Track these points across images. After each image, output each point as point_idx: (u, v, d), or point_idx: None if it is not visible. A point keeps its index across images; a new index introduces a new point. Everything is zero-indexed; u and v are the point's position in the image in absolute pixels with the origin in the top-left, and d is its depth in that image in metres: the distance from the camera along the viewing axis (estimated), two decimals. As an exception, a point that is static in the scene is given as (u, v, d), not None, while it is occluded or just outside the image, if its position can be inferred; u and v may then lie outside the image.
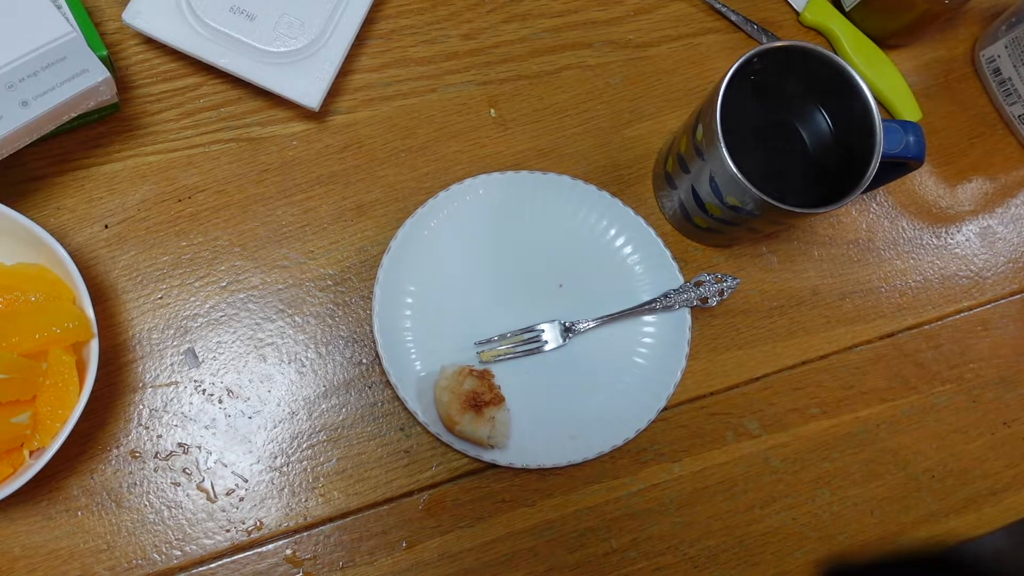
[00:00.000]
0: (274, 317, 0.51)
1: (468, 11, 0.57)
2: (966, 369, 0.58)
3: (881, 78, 0.60)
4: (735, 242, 0.57)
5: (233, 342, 0.50)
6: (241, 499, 0.48)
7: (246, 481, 0.49)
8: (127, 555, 0.47)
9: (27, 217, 0.44)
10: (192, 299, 0.50)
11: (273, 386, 0.50)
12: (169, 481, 0.48)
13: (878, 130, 0.47)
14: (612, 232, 0.54)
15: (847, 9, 0.61)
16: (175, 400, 0.49)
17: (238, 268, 0.51)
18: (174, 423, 0.49)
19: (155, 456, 0.48)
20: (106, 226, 0.50)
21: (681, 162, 0.51)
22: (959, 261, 0.60)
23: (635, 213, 0.53)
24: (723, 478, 0.53)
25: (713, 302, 0.53)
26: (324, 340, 0.51)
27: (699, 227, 0.54)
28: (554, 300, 0.53)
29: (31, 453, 0.44)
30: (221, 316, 0.50)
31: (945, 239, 0.61)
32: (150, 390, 0.49)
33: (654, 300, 0.52)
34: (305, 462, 0.49)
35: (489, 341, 0.52)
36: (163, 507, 0.48)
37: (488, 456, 0.49)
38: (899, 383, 0.57)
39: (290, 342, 0.51)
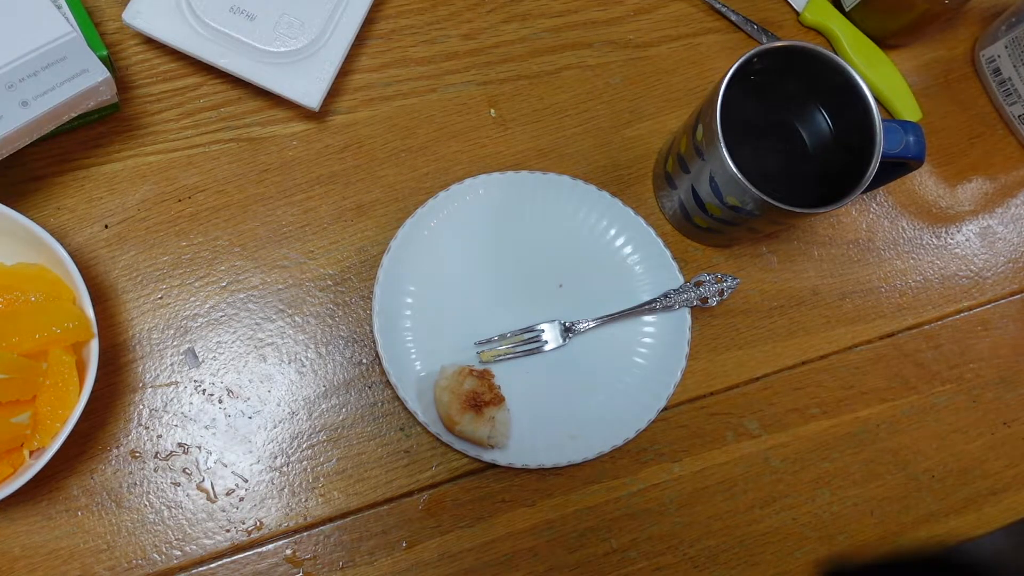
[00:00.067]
0: (274, 317, 0.51)
1: (468, 11, 0.57)
2: (966, 369, 0.58)
3: (881, 78, 0.60)
4: (735, 242, 0.57)
5: (233, 342, 0.50)
6: (241, 499, 0.48)
7: (246, 481, 0.49)
8: (127, 555, 0.47)
9: (27, 217, 0.44)
10: (192, 299, 0.50)
11: (273, 386, 0.50)
12: (169, 481, 0.48)
13: (878, 130, 0.47)
14: (612, 232, 0.54)
15: (847, 9, 0.61)
16: (175, 400, 0.49)
17: (238, 268, 0.51)
18: (174, 423, 0.49)
19: (155, 456, 0.48)
20: (106, 226, 0.50)
21: (681, 162, 0.51)
22: (959, 261, 0.60)
23: (635, 213, 0.53)
24: (723, 478, 0.53)
25: (713, 302, 0.53)
26: (324, 340, 0.51)
27: (699, 227, 0.54)
28: (554, 300, 0.53)
29: (31, 453, 0.44)
30: (221, 316, 0.50)
31: (945, 239, 0.61)
32: (150, 390, 0.49)
33: (654, 300, 0.52)
34: (305, 462, 0.49)
35: (489, 341, 0.52)
36: (163, 507, 0.48)
37: (488, 456, 0.49)
38: (899, 383, 0.57)
39: (290, 342, 0.51)
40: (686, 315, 0.52)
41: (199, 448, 0.49)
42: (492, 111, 0.56)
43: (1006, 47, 0.60)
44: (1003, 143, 0.63)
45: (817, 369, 0.56)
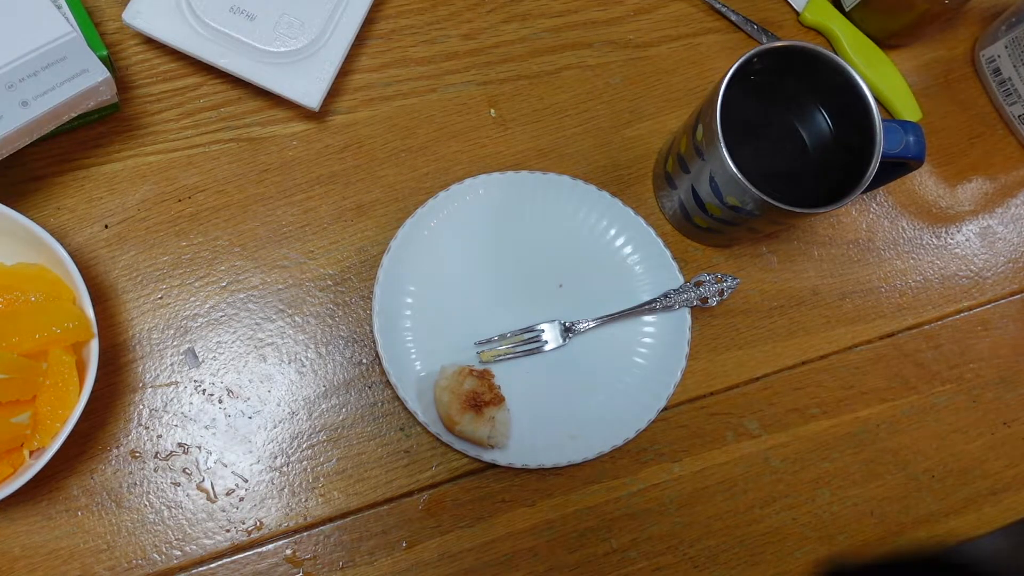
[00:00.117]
0: (274, 317, 0.51)
1: (468, 11, 0.57)
2: (966, 369, 0.58)
3: (881, 78, 0.60)
4: (735, 242, 0.57)
5: (233, 342, 0.50)
6: (241, 499, 0.48)
7: (246, 481, 0.49)
8: (127, 555, 0.47)
9: (27, 217, 0.44)
10: (192, 299, 0.50)
11: (273, 386, 0.50)
12: (169, 481, 0.48)
13: (878, 130, 0.47)
14: (612, 232, 0.54)
15: (847, 9, 0.61)
16: (175, 400, 0.49)
17: (238, 268, 0.51)
18: (174, 423, 0.49)
19: (155, 456, 0.48)
20: (106, 226, 0.50)
21: (681, 162, 0.51)
22: (959, 261, 0.60)
23: (635, 213, 0.53)
24: (723, 478, 0.53)
25: (713, 302, 0.53)
26: (324, 340, 0.51)
27: (699, 227, 0.54)
28: (554, 300, 0.53)
29: (31, 453, 0.44)
30: (221, 316, 0.50)
31: (945, 239, 0.61)
32: (150, 390, 0.49)
33: (654, 300, 0.52)
34: (305, 462, 0.49)
35: (489, 341, 0.52)
36: (163, 507, 0.48)
37: (488, 456, 0.49)
38: (899, 383, 0.57)
39: (290, 342, 0.51)
40: (686, 315, 0.52)
41: (199, 448, 0.49)
42: (492, 111, 0.56)
43: (1006, 47, 0.60)
44: (1003, 143, 0.63)
45: (817, 369, 0.56)
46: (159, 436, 0.48)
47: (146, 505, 0.47)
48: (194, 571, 0.47)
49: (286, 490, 0.49)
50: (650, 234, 0.53)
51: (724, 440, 0.54)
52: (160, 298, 0.50)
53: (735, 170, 0.45)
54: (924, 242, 0.60)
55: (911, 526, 0.55)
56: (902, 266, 0.59)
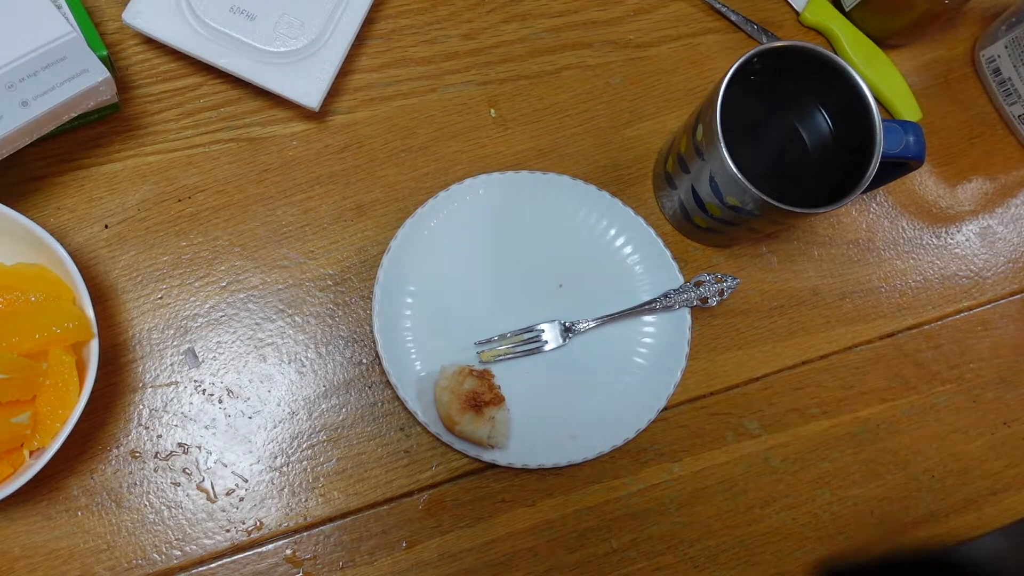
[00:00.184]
0: (274, 317, 0.51)
1: (468, 11, 0.57)
2: (966, 369, 0.58)
3: (881, 78, 0.60)
4: (735, 242, 0.57)
5: (233, 342, 0.50)
6: (241, 499, 0.48)
7: (246, 481, 0.49)
8: (127, 555, 0.47)
9: (27, 217, 0.44)
10: (192, 299, 0.50)
11: (273, 386, 0.50)
12: (169, 481, 0.48)
13: (878, 130, 0.47)
14: (612, 232, 0.54)
15: (847, 9, 0.61)
16: (175, 400, 0.49)
17: (238, 268, 0.51)
18: (174, 423, 0.49)
19: (155, 456, 0.48)
20: (106, 226, 0.50)
21: (681, 162, 0.51)
22: (959, 261, 0.60)
23: (635, 213, 0.53)
24: (723, 478, 0.53)
25: (713, 302, 0.53)
26: (324, 340, 0.51)
27: (699, 227, 0.54)
28: (554, 300, 0.53)
29: (31, 453, 0.44)
30: (221, 316, 0.50)
31: (945, 239, 0.61)
32: (150, 390, 0.49)
33: (654, 300, 0.52)
34: (305, 462, 0.49)
35: (489, 341, 0.52)
36: (163, 507, 0.48)
37: (488, 456, 0.49)
38: (899, 383, 0.57)
39: (290, 342, 0.51)
40: (686, 315, 0.52)
41: (199, 448, 0.49)
42: (492, 111, 0.56)
43: (1006, 47, 0.60)
44: (1003, 143, 0.63)
45: (817, 369, 0.56)
46: (159, 436, 0.48)
47: (146, 505, 0.47)
48: (194, 571, 0.47)
49: (286, 490, 0.49)
50: (650, 234, 0.53)
51: (724, 440, 0.54)
52: (160, 298, 0.50)
53: (735, 170, 0.45)
54: (924, 242, 0.60)
55: (911, 526, 0.55)
56: (902, 266, 0.59)
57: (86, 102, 0.46)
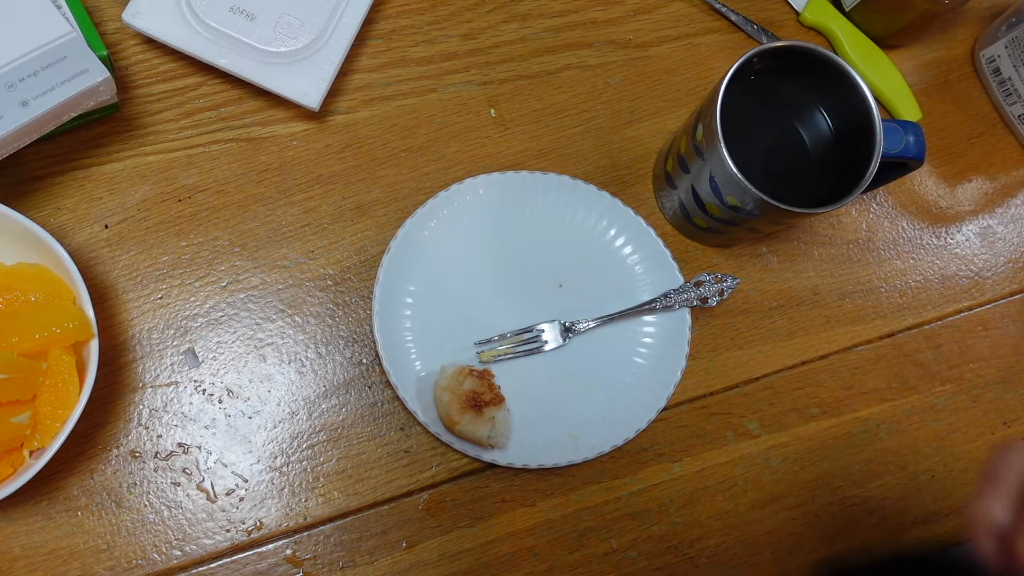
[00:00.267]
0: (274, 317, 0.51)
1: (468, 11, 0.57)
2: (966, 369, 0.58)
3: (881, 78, 0.60)
4: (735, 242, 0.57)
5: (233, 342, 0.50)
6: (241, 499, 0.48)
7: (246, 481, 0.49)
8: (127, 555, 0.47)
9: (27, 217, 0.44)
10: (192, 299, 0.50)
11: (273, 386, 0.50)
12: (169, 481, 0.48)
13: (878, 130, 0.47)
14: (612, 232, 0.54)
15: (847, 9, 0.61)
16: (175, 400, 0.49)
17: (238, 268, 0.51)
18: (174, 423, 0.49)
19: (155, 456, 0.48)
20: (106, 226, 0.50)
21: (681, 162, 0.51)
22: (959, 261, 0.60)
23: (635, 213, 0.53)
24: (723, 478, 0.53)
25: (713, 302, 0.53)
26: (324, 340, 0.51)
27: (699, 227, 0.54)
28: (554, 300, 0.53)
29: (31, 453, 0.44)
30: (221, 316, 0.50)
31: (945, 239, 0.61)
32: (150, 390, 0.49)
33: (654, 300, 0.52)
34: (305, 462, 0.49)
35: (489, 341, 0.52)
36: (163, 507, 0.48)
37: (488, 456, 0.49)
38: (899, 383, 0.57)
39: (290, 342, 0.51)
40: (686, 315, 0.52)
41: (199, 448, 0.49)
42: (492, 111, 0.56)
43: (1006, 47, 0.60)
44: (1003, 143, 0.63)
45: (817, 369, 0.56)
46: (159, 436, 0.48)
47: (146, 505, 0.47)
48: (194, 571, 0.47)
49: (286, 490, 0.49)
50: (650, 234, 0.53)
51: (724, 440, 0.54)
52: (160, 298, 0.50)
53: (735, 170, 0.45)
54: (924, 242, 0.60)
55: (911, 526, 0.55)
56: (902, 266, 0.59)
57: (86, 102, 0.46)
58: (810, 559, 0.53)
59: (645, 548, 0.51)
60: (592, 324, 0.52)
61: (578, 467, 0.52)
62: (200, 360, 0.50)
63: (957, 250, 0.61)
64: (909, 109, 0.60)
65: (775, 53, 0.48)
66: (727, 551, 0.52)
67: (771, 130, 0.53)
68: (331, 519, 0.49)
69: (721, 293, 0.53)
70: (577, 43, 0.58)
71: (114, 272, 0.50)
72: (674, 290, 0.52)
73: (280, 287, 0.51)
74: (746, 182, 0.45)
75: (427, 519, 0.50)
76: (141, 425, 0.48)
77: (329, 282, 0.52)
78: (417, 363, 0.50)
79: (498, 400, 0.48)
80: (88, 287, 0.44)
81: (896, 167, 0.50)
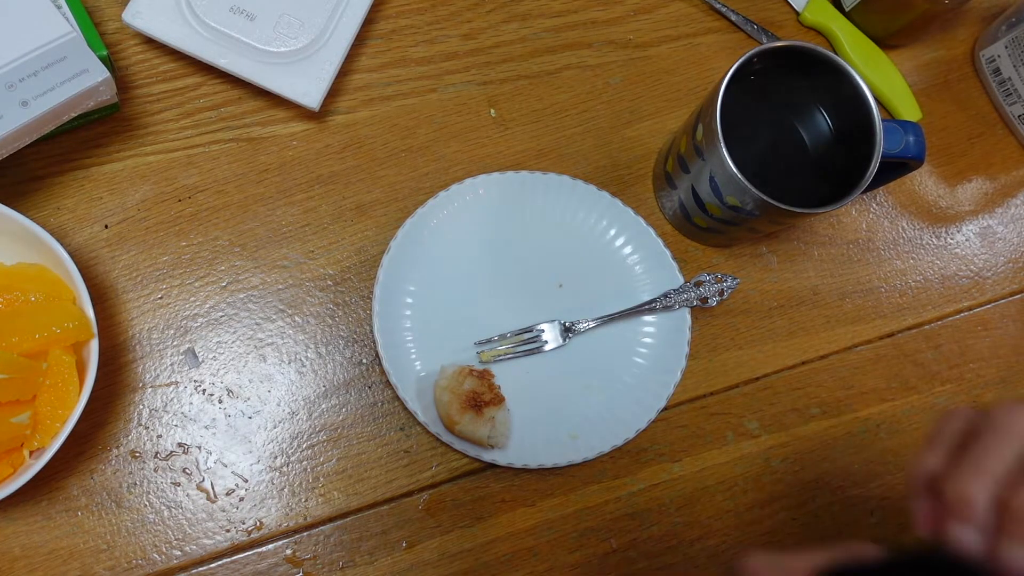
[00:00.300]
0: (274, 317, 0.51)
1: (468, 11, 0.57)
2: (966, 369, 0.58)
3: (881, 78, 0.60)
4: (735, 242, 0.57)
5: (233, 342, 0.50)
6: (241, 499, 0.48)
7: (246, 481, 0.49)
8: (127, 555, 0.47)
9: (27, 217, 0.44)
10: (192, 299, 0.50)
11: (273, 386, 0.50)
12: (169, 481, 0.48)
13: (878, 130, 0.47)
14: (612, 232, 0.54)
15: (847, 9, 0.61)
16: (175, 400, 0.49)
17: (238, 268, 0.51)
18: (174, 423, 0.49)
19: (155, 456, 0.48)
20: (106, 226, 0.50)
21: (681, 162, 0.51)
22: (959, 261, 0.60)
23: (635, 213, 0.53)
24: (723, 478, 0.53)
25: (713, 302, 0.53)
26: (324, 340, 0.51)
27: (699, 227, 0.54)
28: (554, 300, 0.53)
29: (31, 453, 0.44)
30: (221, 316, 0.50)
31: (945, 239, 0.61)
32: (150, 390, 0.49)
33: (654, 300, 0.52)
34: (305, 462, 0.49)
35: (489, 341, 0.52)
36: (163, 507, 0.48)
37: (488, 456, 0.49)
38: (899, 383, 0.57)
39: (290, 342, 0.51)
40: (686, 315, 0.52)
41: (199, 448, 0.49)
42: (492, 111, 0.56)
43: (1006, 47, 0.60)
44: (1003, 143, 0.63)
45: (817, 369, 0.56)
46: (159, 436, 0.48)
47: (146, 505, 0.47)
48: (194, 571, 0.47)
49: (286, 490, 0.49)
50: (650, 234, 0.53)
51: (724, 440, 0.54)
52: (160, 298, 0.50)
53: (735, 170, 0.45)
54: (924, 242, 0.60)
55: (911, 526, 0.55)
56: (902, 266, 0.59)
57: (86, 102, 0.46)
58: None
59: (645, 548, 0.51)
60: (592, 324, 0.52)
61: (578, 467, 0.52)
62: (200, 360, 0.50)
63: (957, 250, 0.61)
64: (909, 109, 0.60)
65: (775, 53, 0.48)
66: (727, 551, 0.52)
67: (771, 130, 0.53)
68: (331, 519, 0.49)
69: (721, 293, 0.53)
70: (577, 43, 0.58)
71: (114, 272, 0.50)
72: (674, 290, 0.52)
73: (280, 287, 0.51)
74: (746, 182, 0.45)
75: (427, 519, 0.50)
76: (141, 425, 0.48)
77: (329, 282, 0.52)
78: (417, 363, 0.50)
79: (498, 400, 0.48)
80: (88, 287, 0.44)
81: (896, 167, 0.50)
